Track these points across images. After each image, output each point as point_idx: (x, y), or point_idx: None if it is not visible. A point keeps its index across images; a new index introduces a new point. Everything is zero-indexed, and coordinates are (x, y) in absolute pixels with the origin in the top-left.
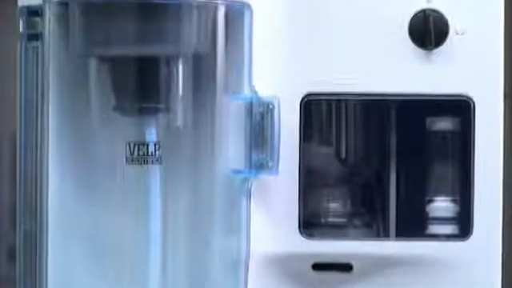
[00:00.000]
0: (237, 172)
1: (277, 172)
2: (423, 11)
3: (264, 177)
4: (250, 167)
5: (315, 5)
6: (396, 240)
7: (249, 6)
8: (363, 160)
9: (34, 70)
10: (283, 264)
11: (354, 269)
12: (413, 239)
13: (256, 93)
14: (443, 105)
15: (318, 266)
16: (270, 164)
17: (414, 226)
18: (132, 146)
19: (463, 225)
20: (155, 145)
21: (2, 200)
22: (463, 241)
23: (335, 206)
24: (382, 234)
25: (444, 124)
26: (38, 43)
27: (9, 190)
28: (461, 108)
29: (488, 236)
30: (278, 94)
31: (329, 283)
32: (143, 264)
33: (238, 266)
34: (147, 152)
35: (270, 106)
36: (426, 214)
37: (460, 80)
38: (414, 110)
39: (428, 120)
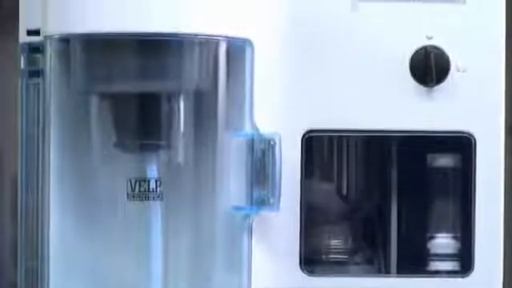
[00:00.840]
0: (238, 208)
1: (278, 208)
2: (424, 48)
3: (265, 213)
4: (251, 203)
5: (316, 41)
6: (397, 276)
7: (250, 43)
8: (364, 196)
9: (35, 107)
10: None
11: None
12: (414, 276)
13: (257, 129)
14: (444, 141)
15: None
16: (271, 200)
17: (415, 262)
18: (133, 182)
19: (464, 261)
20: (156, 181)
21: (4, 237)
22: (464, 277)
23: (336, 243)
24: (384, 270)
25: (445, 160)
26: (39, 80)
27: (10, 227)
28: (462, 144)
29: (489, 272)
30: (280, 131)
31: None
32: None
33: None
34: (148, 188)
35: (272, 143)
36: (427, 250)
37: (461, 116)
38: (415, 147)
39: (429, 156)
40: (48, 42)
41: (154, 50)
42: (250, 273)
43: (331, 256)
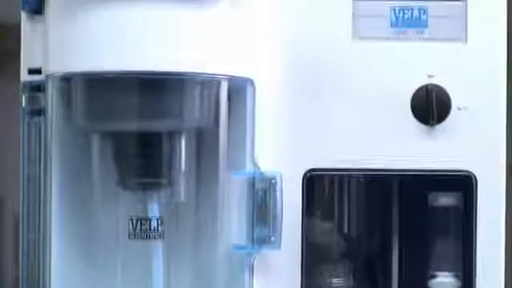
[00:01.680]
0: (239, 247)
1: (279, 247)
2: (425, 87)
3: (266, 251)
4: (253, 242)
5: (317, 80)
6: None
7: (251, 82)
8: (366, 235)
9: (36, 145)
10: None
11: None
12: None
13: (258, 168)
14: (445, 180)
15: None
16: (273, 239)
17: None
18: (134, 221)
19: None
20: (158, 220)
21: (5, 277)
22: None
23: (338, 281)
24: None
25: (446, 199)
26: (41, 118)
27: (12, 268)
28: (463, 183)
29: None
30: (281, 169)
31: None
32: None
33: None
34: (150, 227)
35: (273, 181)
36: None
37: (462, 155)
38: (416, 186)
39: (430, 195)
40: (49, 80)
41: (156, 88)
42: None
43: None
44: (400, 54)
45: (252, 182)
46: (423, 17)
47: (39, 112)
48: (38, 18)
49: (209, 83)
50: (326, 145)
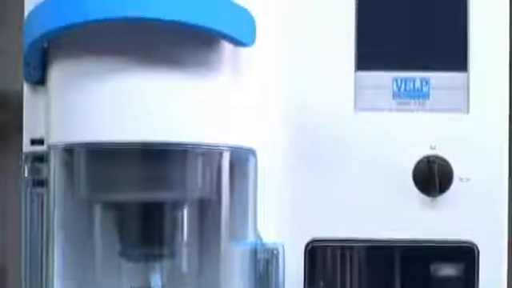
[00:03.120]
0: None
1: None
2: (427, 158)
3: None
4: None
5: (319, 151)
6: None
7: (253, 152)
8: None
9: (38, 216)
10: None
11: None
12: None
13: (261, 238)
14: (448, 251)
15: None
16: None
17: None
18: None
19: None
20: None
21: None
22: None
23: None
24: None
25: (448, 270)
26: (43, 189)
27: None
28: (465, 254)
29: None
30: (283, 240)
31: None
32: None
33: None
34: None
35: (275, 252)
36: None
37: (464, 226)
38: (418, 256)
39: (432, 266)
40: (52, 151)
41: (158, 159)
42: None
43: None
44: (402, 125)
45: (254, 253)
46: (425, 88)
47: (42, 182)
48: (40, 88)
49: (211, 154)
50: (328, 215)
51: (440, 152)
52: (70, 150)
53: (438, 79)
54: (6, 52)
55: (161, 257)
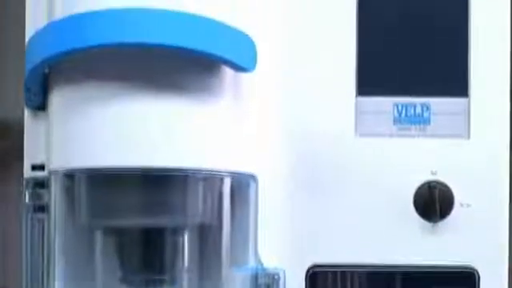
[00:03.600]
0: None
1: None
2: (428, 183)
3: None
4: None
5: (320, 175)
6: None
7: (254, 178)
8: None
9: (39, 242)
10: None
11: None
12: None
13: (261, 264)
14: (448, 276)
15: None
16: None
17: None
18: None
19: None
20: None
21: None
22: None
23: None
24: None
25: None
26: (44, 215)
27: None
28: (466, 280)
29: None
30: (284, 265)
31: None
32: None
33: None
34: None
35: (276, 277)
36: None
37: (465, 251)
38: (419, 281)
39: None
40: (52, 176)
41: (158, 184)
42: None
43: None
44: (403, 150)
45: (255, 278)
46: (426, 113)
47: (42, 208)
48: (41, 114)
49: (211, 179)
50: (328, 240)
51: (441, 177)
52: (70, 176)
53: (439, 105)
54: (7, 78)
55: (161, 282)
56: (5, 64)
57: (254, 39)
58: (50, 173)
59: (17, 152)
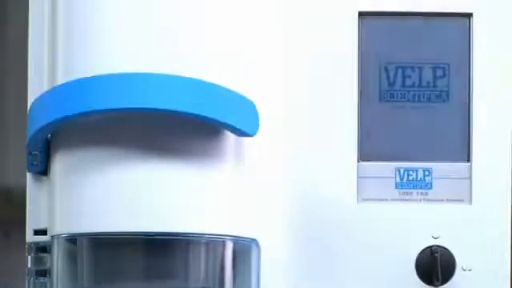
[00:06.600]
0: None
1: None
2: (430, 248)
3: None
4: None
5: (321, 240)
6: None
7: (256, 242)
8: None
9: None
10: None
11: None
12: None
13: None
14: None
15: None
16: None
17: None
18: None
19: None
20: None
21: None
22: None
23: None
24: None
25: None
26: (46, 279)
27: None
28: None
29: None
30: None
31: None
32: None
33: None
34: None
35: None
36: None
37: None
38: None
39: None
40: (55, 241)
41: (161, 249)
42: None
43: None
44: (404, 215)
45: None
46: (427, 178)
47: (45, 272)
48: (43, 179)
49: (214, 244)
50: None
51: (442, 242)
52: (72, 240)
53: (441, 169)
54: (8, 147)
55: None
56: (8, 131)
57: (256, 104)
58: (53, 237)
59: (19, 221)
